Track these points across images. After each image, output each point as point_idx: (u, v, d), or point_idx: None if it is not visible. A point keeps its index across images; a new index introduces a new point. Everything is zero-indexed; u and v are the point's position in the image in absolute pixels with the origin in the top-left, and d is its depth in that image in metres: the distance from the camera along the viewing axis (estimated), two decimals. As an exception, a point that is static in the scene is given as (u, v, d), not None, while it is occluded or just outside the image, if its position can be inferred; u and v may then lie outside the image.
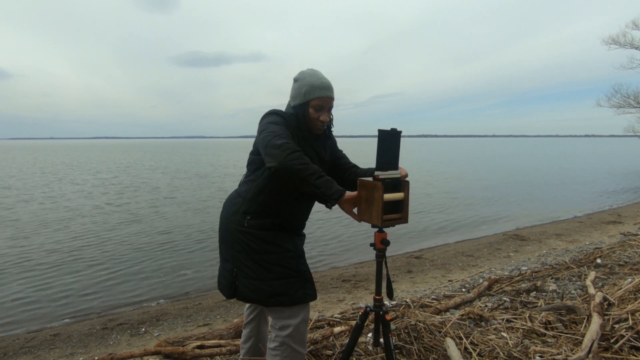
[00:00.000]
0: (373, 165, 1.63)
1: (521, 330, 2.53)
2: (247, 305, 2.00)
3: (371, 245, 1.72)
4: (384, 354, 2.14)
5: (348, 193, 1.55)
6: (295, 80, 1.79)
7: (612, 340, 2.25)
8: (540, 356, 2.19)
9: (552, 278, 3.89)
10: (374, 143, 1.60)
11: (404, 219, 1.64)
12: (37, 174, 20.38)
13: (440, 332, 2.46)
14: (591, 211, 9.76)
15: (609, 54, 21.15)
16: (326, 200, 1.52)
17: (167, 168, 24.28)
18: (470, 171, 22.00)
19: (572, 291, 3.39)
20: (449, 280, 4.54)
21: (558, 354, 2.18)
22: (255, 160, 1.76)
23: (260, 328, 2.01)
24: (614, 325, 2.40)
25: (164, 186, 15.00)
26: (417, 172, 21.01)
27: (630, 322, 2.37)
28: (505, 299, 3.33)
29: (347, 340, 2.38)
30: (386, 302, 3.52)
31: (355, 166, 1.98)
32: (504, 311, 2.95)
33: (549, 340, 2.40)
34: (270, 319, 1.92)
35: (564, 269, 4.25)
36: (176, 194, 12.94)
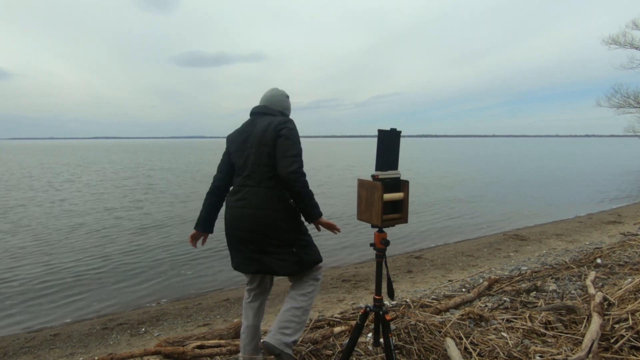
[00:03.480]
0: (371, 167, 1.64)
1: (521, 330, 2.53)
2: (254, 286, 2.17)
3: (371, 245, 1.72)
4: (384, 354, 2.14)
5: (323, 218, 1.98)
6: (288, 97, 2.28)
7: (612, 340, 2.25)
8: (540, 356, 2.19)
9: (552, 278, 3.89)
10: (374, 143, 1.60)
11: (403, 219, 1.65)
12: (48, 174, 20.33)
13: (440, 332, 2.46)
14: (591, 211, 9.76)
15: (609, 54, 21.14)
16: (310, 218, 1.97)
17: (177, 169, 23.97)
18: (470, 171, 22.00)
19: (572, 291, 3.39)
20: (449, 280, 4.54)
21: (558, 354, 2.18)
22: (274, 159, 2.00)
23: (263, 307, 2.20)
24: (614, 325, 2.40)
25: (172, 187, 14.87)
26: (427, 173, 21.01)
27: (630, 322, 2.37)
28: (505, 299, 3.33)
29: (347, 340, 2.38)
30: (386, 302, 3.52)
31: None
32: (504, 311, 2.95)
33: (549, 340, 2.40)
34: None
35: (564, 269, 4.24)
36: (181, 195, 12.92)
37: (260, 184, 1.97)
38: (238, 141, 2.10)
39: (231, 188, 2.13)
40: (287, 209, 1.98)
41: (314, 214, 1.93)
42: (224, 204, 2.14)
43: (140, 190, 14.06)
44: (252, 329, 2.08)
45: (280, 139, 1.92)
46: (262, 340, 1.99)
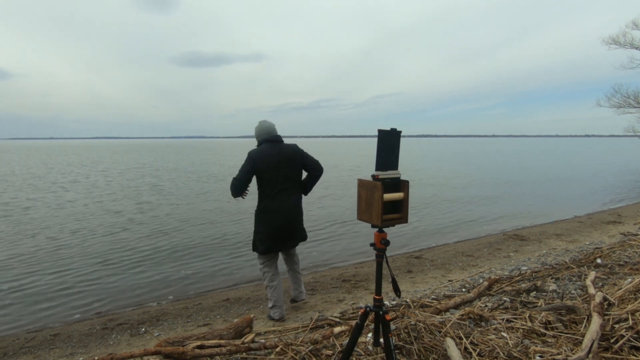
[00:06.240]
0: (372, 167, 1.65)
1: (521, 330, 2.53)
2: (273, 263, 3.50)
3: (371, 245, 1.72)
4: (384, 354, 2.14)
5: None
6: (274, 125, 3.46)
7: (612, 340, 2.25)
8: (540, 356, 2.19)
9: (552, 278, 3.89)
10: (374, 143, 1.60)
11: (403, 219, 1.65)
12: (53, 174, 20.29)
13: (440, 332, 2.46)
14: (591, 211, 9.75)
15: (609, 54, 21.14)
16: (310, 190, 3.56)
17: (183, 169, 23.73)
18: (471, 171, 21.99)
19: (572, 291, 3.39)
20: (449, 280, 4.54)
21: (558, 354, 2.18)
22: (300, 173, 3.41)
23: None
24: (614, 325, 2.40)
25: (180, 188, 14.76)
26: (432, 173, 21.01)
27: (630, 322, 2.37)
28: (505, 299, 3.34)
29: (347, 340, 2.38)
30: (386, 302, 3.52)
31: None
32: (504, 311, 2.95)
33: (549, 340, 2.40)
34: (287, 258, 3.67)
35: (564, 269, 4.25)
36: (191, 195, 12.88)
37: (297, 191, 3.35)
38: (271, 162, 3.19)
39: (273, 194, 3.24)
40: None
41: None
42: (270, 204, 3.27)
43: (146, 191, 13.99)
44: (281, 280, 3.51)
45: (304, 159, 3.34)
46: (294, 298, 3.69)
